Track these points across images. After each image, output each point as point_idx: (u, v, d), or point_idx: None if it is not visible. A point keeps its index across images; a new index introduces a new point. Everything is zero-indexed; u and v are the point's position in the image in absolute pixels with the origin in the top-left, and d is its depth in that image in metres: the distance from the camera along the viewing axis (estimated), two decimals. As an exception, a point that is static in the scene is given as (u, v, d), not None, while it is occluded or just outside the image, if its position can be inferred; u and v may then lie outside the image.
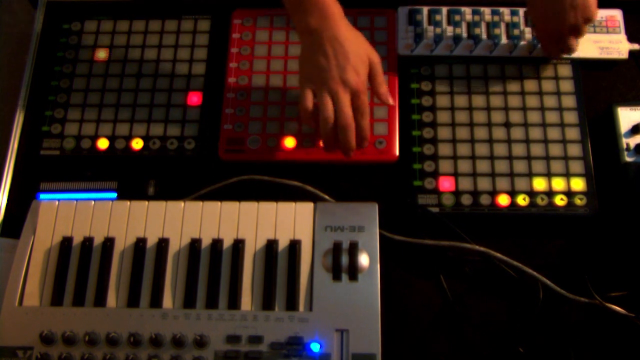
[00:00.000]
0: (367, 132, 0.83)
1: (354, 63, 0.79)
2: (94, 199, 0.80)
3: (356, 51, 0.80)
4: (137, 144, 0.89)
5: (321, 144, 0.87)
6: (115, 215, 0.78)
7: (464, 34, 0.94)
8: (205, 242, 0.77)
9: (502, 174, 0.85)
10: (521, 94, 0.90)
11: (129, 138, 0.89)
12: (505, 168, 0.86)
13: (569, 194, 0.84)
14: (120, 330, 0.73)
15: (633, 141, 0.86)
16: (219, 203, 0.79)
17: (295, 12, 0.81)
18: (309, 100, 0.81)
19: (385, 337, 0.73)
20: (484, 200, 0.84)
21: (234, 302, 0.74)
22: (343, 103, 0.79)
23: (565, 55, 0.91)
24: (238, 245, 0.76)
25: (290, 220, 0.78)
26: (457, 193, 0.85)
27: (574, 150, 0.86)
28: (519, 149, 0.87)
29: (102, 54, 0.95)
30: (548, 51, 0.91)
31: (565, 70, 0.91)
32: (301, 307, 0.74)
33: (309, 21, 0.79)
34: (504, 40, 0.93)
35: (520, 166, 0.86)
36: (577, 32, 0.86)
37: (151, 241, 0.77)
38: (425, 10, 0.95)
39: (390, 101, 0.84)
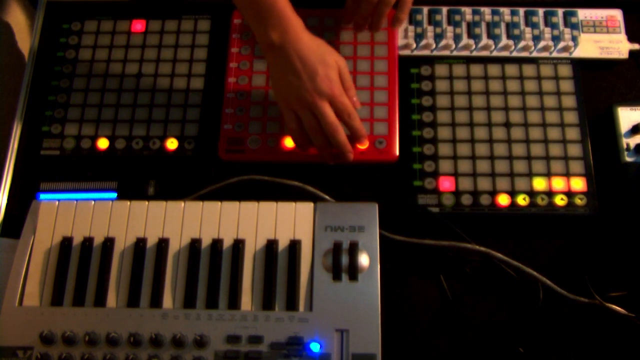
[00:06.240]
0: (361, 131, 0.83)
1: (323, 72, 0.80)
2: (94, 199, 0.80)
3: (323, 59, 0.80)
4: (137, 144, 0.89)
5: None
6: (115, 215, 0.78)
7: (464, 34, 0.94)
8: (205, 242, 0.77)
9: (502, 174, 0.85)
10: (521, 94, 0.90)
11: (128, 138, 0.89)
12: (505, 168, 0.86)
13: (569, 194, 0.84)
14: (120, 330, 0.73)
15: (633, 141, 0.86)
16: (219, 203, 0.79)
17: (255, 25, 0.81)
18: (294, 120, 0.82)
19: (385, 337, 0.73)
20: (484, 200, 0.84)
21: (234, 302, 0.74)
22: (323, 111, 0.80)
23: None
24: (238, 245, 0.76)
25: (290, 220, 0.78)
26: (457, 193, 0.85)
27: (574, 150, 0.86)
28: (519, 149, 0.87)
29: (101, 54, 0.95)
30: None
31: (565, 70, 0.91)
32: (301, 307, 0.74)
33: (270, 35, 0.79)
34: (504, 40, 0.93)
35: (520, 166, 0.86)
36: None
37: (151, 241, 0.77)
38: (425, 10, 0.95)
39: (358, 105, 0.85)
